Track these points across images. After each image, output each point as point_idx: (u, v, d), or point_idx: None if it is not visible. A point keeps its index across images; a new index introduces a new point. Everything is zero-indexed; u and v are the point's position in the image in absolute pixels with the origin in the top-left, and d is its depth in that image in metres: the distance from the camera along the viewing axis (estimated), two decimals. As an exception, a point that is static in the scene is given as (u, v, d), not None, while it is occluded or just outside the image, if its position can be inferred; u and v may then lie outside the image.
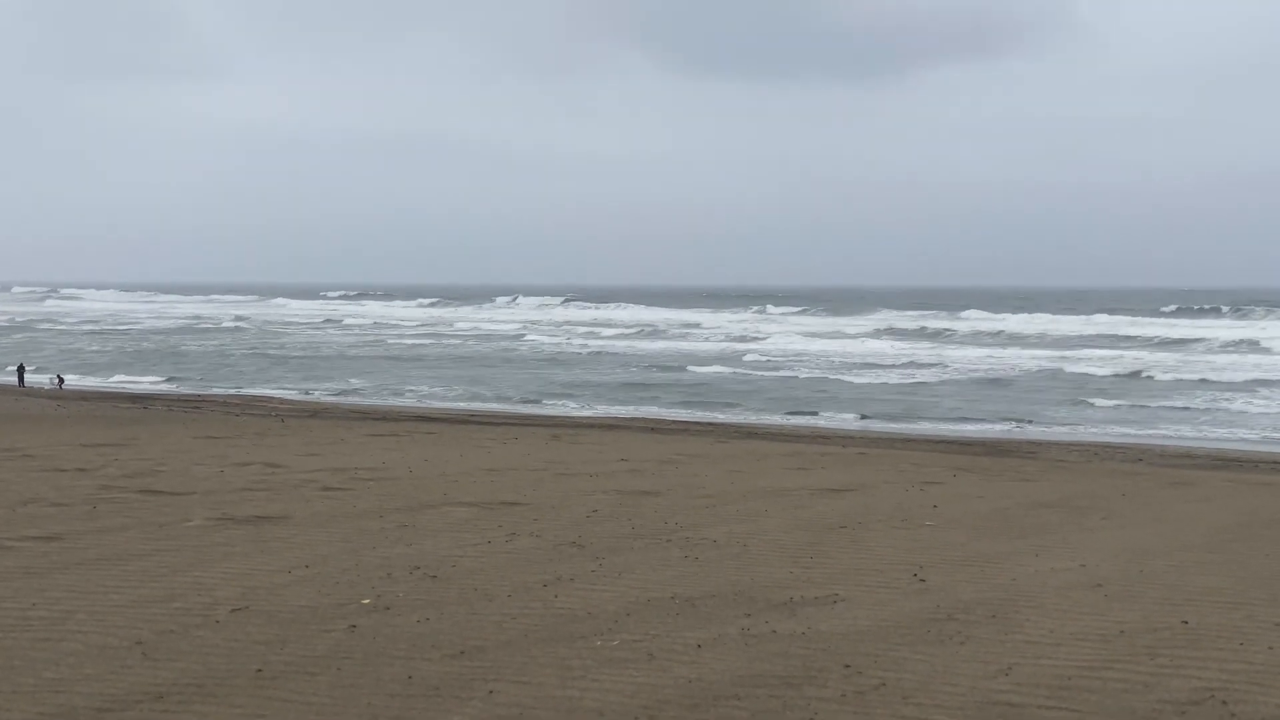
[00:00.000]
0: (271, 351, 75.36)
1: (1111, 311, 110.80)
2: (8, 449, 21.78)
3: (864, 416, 39.79)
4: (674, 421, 36.86)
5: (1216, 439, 33.71)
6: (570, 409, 42.70)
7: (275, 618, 9.27)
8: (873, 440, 30.91)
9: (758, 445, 27.29)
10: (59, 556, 11.46)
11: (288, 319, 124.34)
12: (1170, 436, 34.14)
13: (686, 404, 44.30)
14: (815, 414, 41.00)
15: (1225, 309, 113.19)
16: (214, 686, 7.62)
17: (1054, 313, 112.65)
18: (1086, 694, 7.70)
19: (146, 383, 54.51)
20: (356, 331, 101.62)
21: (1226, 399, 44.84)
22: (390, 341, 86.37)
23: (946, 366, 61.45)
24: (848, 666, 8.20)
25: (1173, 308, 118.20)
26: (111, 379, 56.40)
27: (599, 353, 74.39)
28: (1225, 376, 52.90)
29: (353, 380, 54.43)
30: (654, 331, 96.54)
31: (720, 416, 40.02)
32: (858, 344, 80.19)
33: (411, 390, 50.01)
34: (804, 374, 57.12)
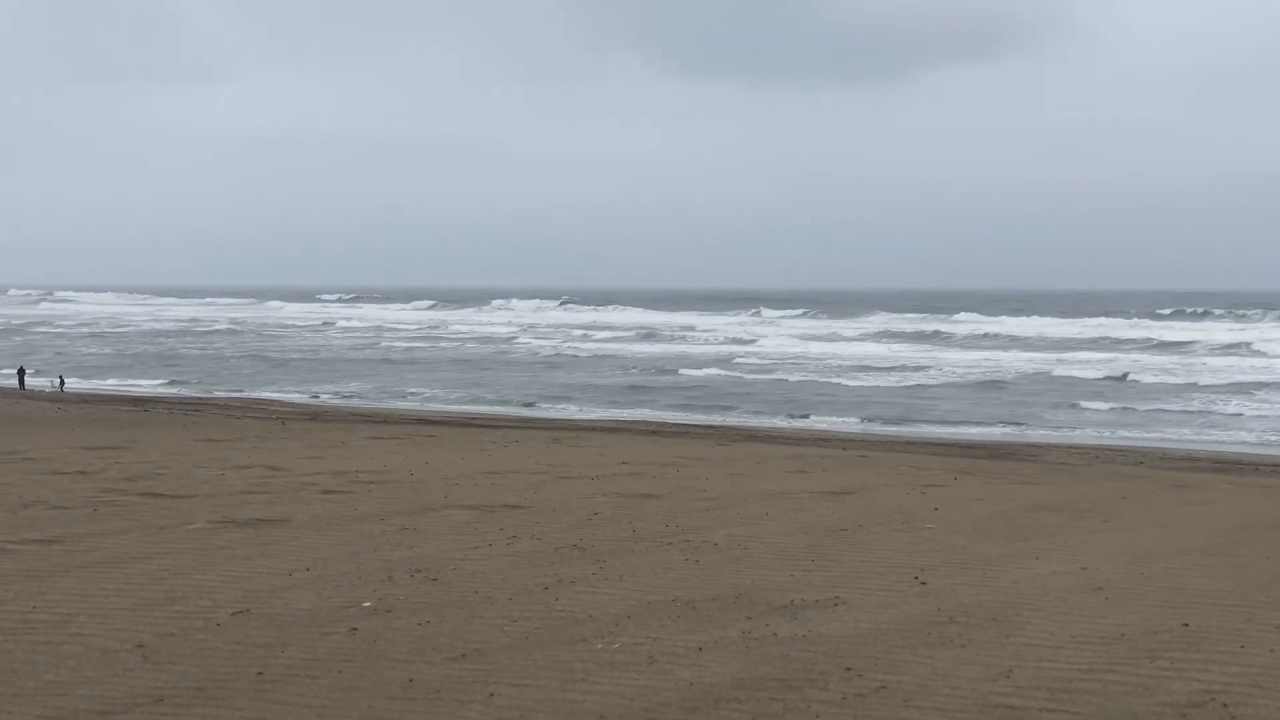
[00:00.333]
0: (270, 354, 75.42)
1: (1109, 314, 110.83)
2: (8, 451, 21.76)
3: (866, 419, 39.81)
4: (674, 424, 36.88)
5: (1216, 441, 33.73)
6: (571, 412, 42.78)
7: (276, 621, 9.27)
8: (873, 443, 30.93)
9: (758, 448, 27.29)
10: (60, 559, 11.46)
11: (285, 322, 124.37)
12: (1171, 439, 34.13)
13: (685, 407, 44.31)
14: (807, 416, 40.99)
15: (1219, 312, 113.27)
16: (215, 689, 7.62)
17: (1051, 316, 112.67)
18: (1087, 697, 7.70)
19: (146, 386, 54.49)
20: (354, 335, 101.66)
21: (1223, 401, 44.90)
22: (387, 344, 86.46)
23: (943, 369, 61.50)
24: (849, 669, 8.21)
25: (1169, 310, 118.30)
26: (108, 381, 56.38)
27: (595, 355, 74.41)
28: (1221, 379, 52.98)
29: (352, 383, 54.48)
30: (650, 334, 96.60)
31: (720, 419, 40.04)
32: (854, 347, 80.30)
33: (412, 393, 50.04)
34: (800, 377, 57.11)
